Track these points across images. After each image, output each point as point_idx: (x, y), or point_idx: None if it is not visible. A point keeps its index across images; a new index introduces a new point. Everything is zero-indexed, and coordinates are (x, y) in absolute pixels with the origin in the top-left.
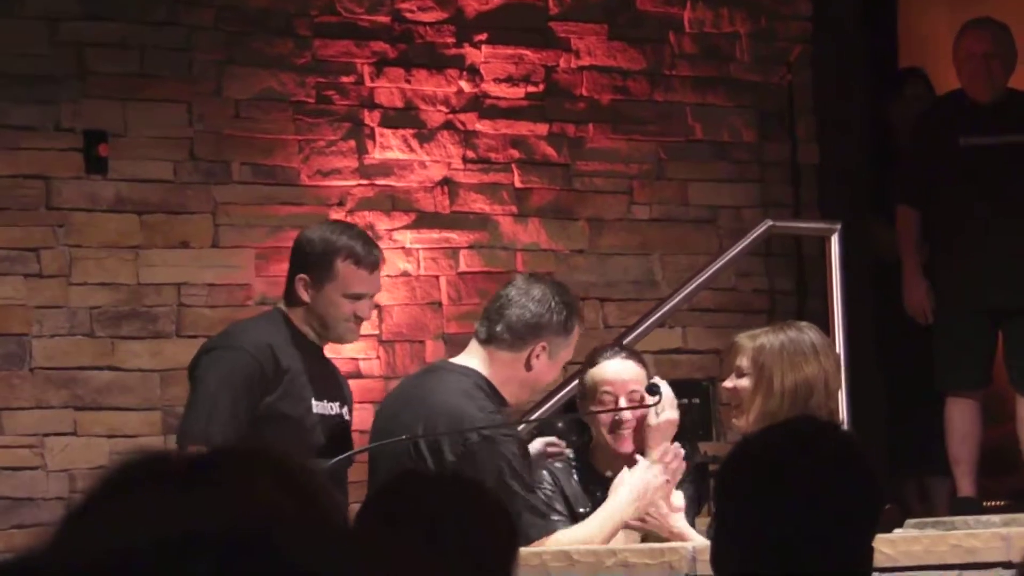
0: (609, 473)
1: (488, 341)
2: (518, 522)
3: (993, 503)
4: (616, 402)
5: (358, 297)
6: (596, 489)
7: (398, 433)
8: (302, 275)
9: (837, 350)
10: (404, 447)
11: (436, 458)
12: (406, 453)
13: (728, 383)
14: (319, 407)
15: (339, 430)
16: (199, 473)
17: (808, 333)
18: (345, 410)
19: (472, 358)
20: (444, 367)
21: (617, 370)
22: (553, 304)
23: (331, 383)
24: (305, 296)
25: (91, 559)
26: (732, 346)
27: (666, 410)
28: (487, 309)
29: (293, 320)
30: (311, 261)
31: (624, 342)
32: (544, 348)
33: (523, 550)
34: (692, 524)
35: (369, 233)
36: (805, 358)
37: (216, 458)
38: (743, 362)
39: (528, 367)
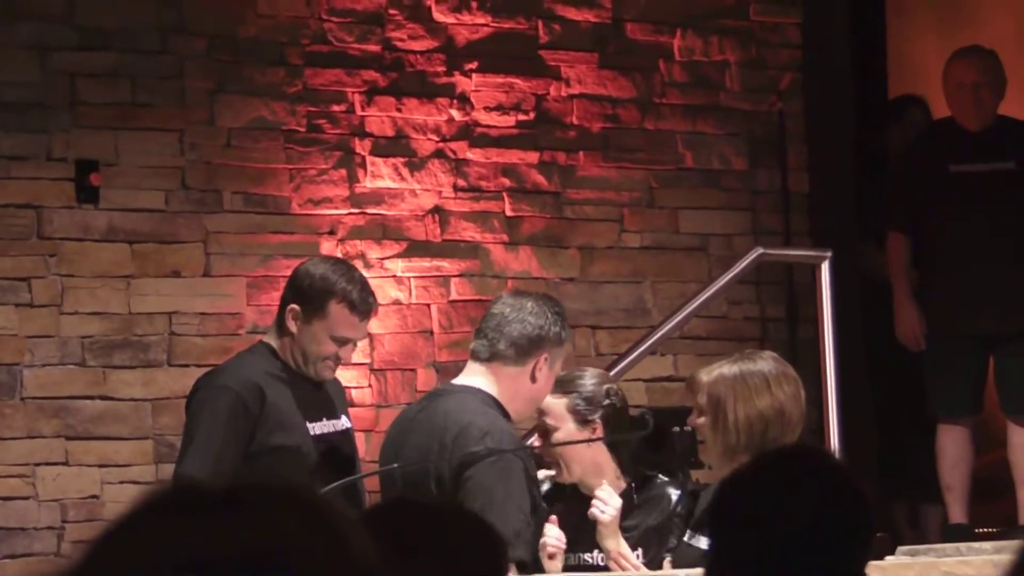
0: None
1: (492, 359)
2: (508, 549)
3: (985, 530)
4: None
5: (344, 342)
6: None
7: (409, 459)
8: (294, 305)
9: (829, 375)
10: (414, 472)
11: (454, 478)
12: (418, 478)
13: (690, 419)
14: (318, 427)
15: (344, 441)
16: (224, 502)
17: (761, 363)
18: (344, 419)
19: (474, 377)
20: (449, 390)
21: (546, 401)
22: (549, 316)
23: (323, 400)
24: (292, 326)
25: None
26: (691, 382)
27: (610, 504)
28: (482, 329)
29: (278, 351)
30: (306, 295)
31: (616, 370)
32: (546, 360)
33: None
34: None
35: (360, 263)
36: (757, 391)
37: (241, 489)
38: (701, 399)
39: (533, 379)
